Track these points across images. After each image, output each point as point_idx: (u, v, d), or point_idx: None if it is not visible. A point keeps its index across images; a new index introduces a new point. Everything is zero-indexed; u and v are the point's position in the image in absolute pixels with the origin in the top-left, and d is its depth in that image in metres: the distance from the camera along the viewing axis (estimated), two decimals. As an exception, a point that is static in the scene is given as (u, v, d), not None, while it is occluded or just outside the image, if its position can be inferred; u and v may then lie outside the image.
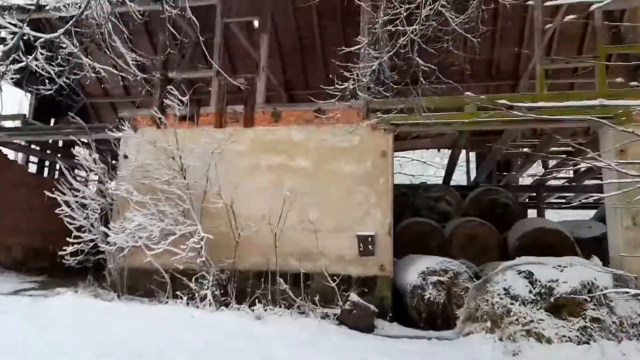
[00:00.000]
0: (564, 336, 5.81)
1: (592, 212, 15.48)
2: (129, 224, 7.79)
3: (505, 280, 6.47)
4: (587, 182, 13.92)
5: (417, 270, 7.85)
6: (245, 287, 7.91)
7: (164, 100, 8.81)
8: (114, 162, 9.80)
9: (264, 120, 8.97)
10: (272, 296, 7.53)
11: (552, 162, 13.18)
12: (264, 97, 9.19)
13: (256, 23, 9.97)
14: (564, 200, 15.62)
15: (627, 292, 5.34)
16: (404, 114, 7.26)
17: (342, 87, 6.63)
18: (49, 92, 8.26)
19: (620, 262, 7.04)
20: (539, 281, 6.23)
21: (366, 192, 8.16)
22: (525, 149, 13.27)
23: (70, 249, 7.97)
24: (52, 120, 13.96)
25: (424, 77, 6.26)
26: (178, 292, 7.60)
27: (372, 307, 7.16)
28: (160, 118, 8.68)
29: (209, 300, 7.15)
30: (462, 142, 10.86)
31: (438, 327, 7.52)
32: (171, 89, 8.59)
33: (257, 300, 7.54)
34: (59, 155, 13.93)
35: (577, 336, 5.78)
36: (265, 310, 6.94)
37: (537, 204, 14.12)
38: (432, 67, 6.22)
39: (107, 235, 8.10)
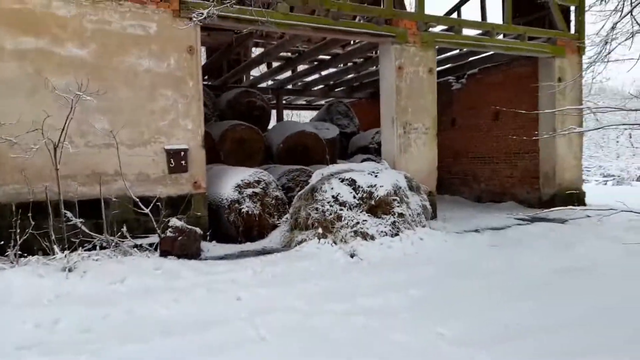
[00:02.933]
0: (382, 231, 6.79)
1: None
2: None
3: (332, 188, 6.86)
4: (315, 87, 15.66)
5: (232, 183, 7.35)
6: (3, 226, 5.59)
7: None
8: None
9: (-2, -23, 5.84)
10: (55, 236, 5.59)
11: (302, 66, 13.95)
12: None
13: None
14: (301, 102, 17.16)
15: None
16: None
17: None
18: None
19: (394, 163, 8.54)
20: (361, 187, 6.91)
21: (172, 97, 6.72)
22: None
23: None
24: None
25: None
26: None
27: (199, 230, 6.37)
28: None
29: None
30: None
31: (254, 238, 7.46)
32: None
33: (34, 246, 5.50)
34: None
35: (390, 230, 6.86)
36: (65, 257, 5.13)
37: (277, 105, 15.02)
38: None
39: None
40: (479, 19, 11.48)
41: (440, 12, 11.32)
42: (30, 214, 5.61)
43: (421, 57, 8.80)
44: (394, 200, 7.02)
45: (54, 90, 5.80)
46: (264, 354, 3.40)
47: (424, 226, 7.30)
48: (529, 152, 11.14)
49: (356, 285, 5.05)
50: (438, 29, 9.65)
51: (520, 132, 10.29)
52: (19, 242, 5.37)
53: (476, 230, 7.88)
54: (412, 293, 4.74)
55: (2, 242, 5.40)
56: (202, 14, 6.60)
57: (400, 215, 7.01)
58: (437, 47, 9.16)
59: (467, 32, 9.65)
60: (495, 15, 12.04)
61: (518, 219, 9.05)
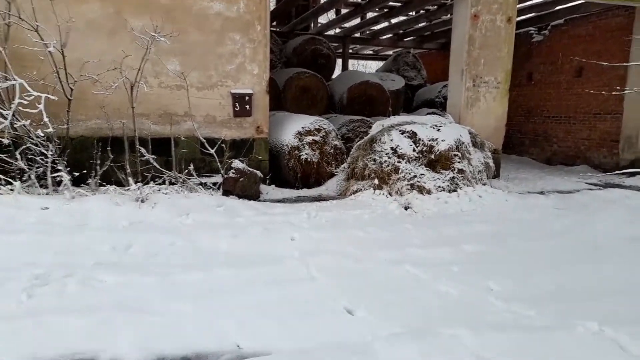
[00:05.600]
0: (439, 187, 6.69)
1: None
2: None
3: (392, 140, 6.79)
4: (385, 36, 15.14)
5: (293, 130, 7.48)
6: (87, 158, 6.11)
7: None
8: None
9: None
10: (130, 169, 6.04)
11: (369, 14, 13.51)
12: None
13: None
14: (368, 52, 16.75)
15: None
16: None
17: None
18: None
19: (459, 117, 8.24)
20: (422, 140, 6.78)
21: (240, 41, 6.83)
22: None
23: None
24: None
25: None
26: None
27: (259, 173, 6.62)
28: None
29: (65, 184, 5.28)
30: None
31: (311, 185, 7.64)
32: None
33: (112, 177, 6.00)
34: None
35: (448, 185, 6.74)
36: (139, 189, 5.56)
37: (343, 54, 14.76)
38: None
39: None
40: (570, -38, 10.39)
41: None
42: (109, 148, 6.09)
43: (500, 4, 8.19)
44: (455, 155, 6.84)
45: (132, 30, 6.08)
46: (313, 291, 3.57)
47: (484, 184, 7.09)
48: (611, 113, 10.27)
49: (409, 236, 5.08)
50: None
51: (606, 91, 9.46)
52: (99, 173, 5.90)
53: (541, 192, 7.54)
54: (465, 248, 4.71)
55: (85, 172, 5.93)
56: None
57: (460, 171, 6.84)
58: (518, -7, 8.48)
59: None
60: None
61: (590, 183, 8.53)
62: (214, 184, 6.59)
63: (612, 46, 10.07)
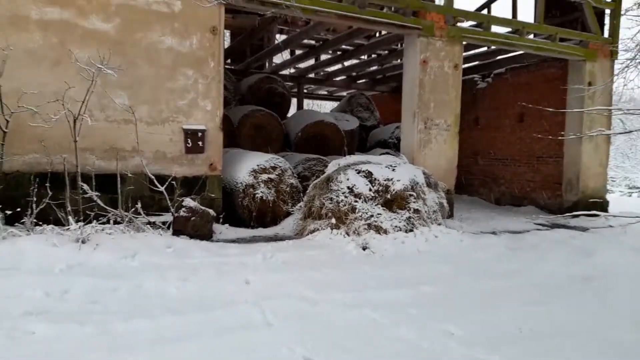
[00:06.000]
0: (396, 226, 6.67)
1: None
2: None
3: (348, 179, 6.76)
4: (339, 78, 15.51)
5: (248, 167, 7.32)
6: (22, 195, 5.64)
7: None
8: None
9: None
10: (71, 207, 5.62)
11: (324, 56, 13.82)
12: None
13: None
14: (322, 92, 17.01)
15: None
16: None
17: None
18: None
19: (412, 158, 8.39)
20: (378, 180, 6.80)
21: (193, 76, 6.69)
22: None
23: None
24: None
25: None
26: None
27: (212, 211, 6.35)
28: None
29: (-6, 224, 4.79)
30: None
31: (267, 224, 7.43)
32: None
33: (50, 216, 5.54)
34: None
35: (405, 225, 6.74)
36: (79, 228, 5.14)
37: (298, 94, 14.93)
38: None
39: None
40: (509, 16, 11.18)
41: (470, 8, 11.06)
42: (48, 184, 5.66)
43: (447, 51, 8.60)
44: (411, 195, 6.89)
45: (77, 62, 5.81)
46: (269, 339, 3.34)
47: (439, 224, 7.17)
48: (553, 157, 10.86)
49: (366, 277, 4.97)
50: (466, 24, 9.42)
51: (545, 136, 10.02)
52: (35, 211, 5.44)
53: (493, 233, 7.72)
54: (423, 290, 4.64)
55: (19, 210, 5.45)
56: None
57: (416, 211, 6.88)
58: (464, 42, 8.95)
59: (496, 29, 9.41)
60: (525, 14, 11.73)
61: (537, 224, 8.84)
62: (164, 223, 6.24)
63: (550, 94, 10.76)
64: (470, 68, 12.36)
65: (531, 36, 9.91)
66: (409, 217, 6.80)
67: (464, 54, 9.78)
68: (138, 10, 6.37)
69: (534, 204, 11.28)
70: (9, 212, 5.28)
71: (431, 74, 8.50)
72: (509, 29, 9.62)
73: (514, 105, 11.58)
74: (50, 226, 5.30)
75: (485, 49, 10.97)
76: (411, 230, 6.72)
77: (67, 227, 5.23)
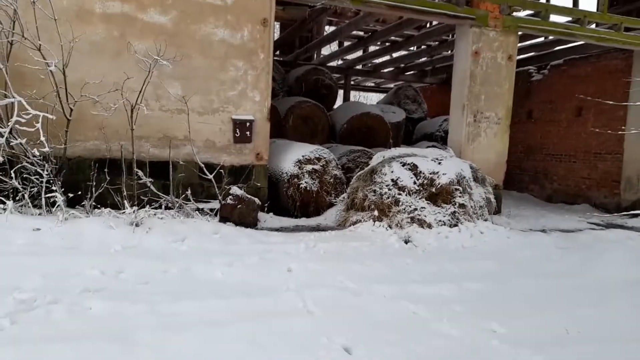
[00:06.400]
0: (440, 221, 6.58)
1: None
2: None
3: (392, 172, 6.72)
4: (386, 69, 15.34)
5: (293, 158, 7.43)
6: (82, 179, 6.00)
7: None
8: None
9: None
10: (126, 192, 5.93)
11: (373, 47, 13.72)
12: None
13: None
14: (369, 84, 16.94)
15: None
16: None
17: None
18: None
19: (460, 152, 8.21)
20: (423, 173, 6.72)
21: (243, 68, 6.84)
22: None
23: None
24: None
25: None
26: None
27: (257, 200, 6.51)
28: None
29: (59, 205, 5.15)
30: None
31: (310, 214, 7.53)
32: None
33: (107, 199, 5.88)
34: None
35: (449, 220, 6.64)
36: (134, 212, 5.43)
37: (345, 85, 14.90)
38: None
39: None
40: (570, 5, 10.62)
41: (527, -4, 10.59)
42: (106, 170, 6.00)
43: (501, 42, 8.30)
44: (456, 189, 6.76)
45: (135, 54, 6.08)
46: (309, 327, 3.41)
47: (485, 220, 6.99)
48: (612, 153, 10.28)
49: (408, 271, 4.94)
50: (523, 13, 9.04)
51: (604, 131, 9.49)
52: (94, 195, 5.78)
53: (543, 230, 7.44)
54: (467, 286, 4.56)
55: (80, 193, 5.81)
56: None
57: (462, 205, 6.75)
58: (519, 33, 8.60)
59: (554, 18, 8.98)
60: (586, 3, 11.11)
61: (592, 223, 8.44)
62: (211, 209, 6.47)
63: (611, 87, 10.17)
64: (525, 59, 11.87)
65: (593, 26, 9.38)
66: (454, 212, 6.68)
67: (520, 44, 9.41)
68: (193, 3, 6.57)
69: (589, 202, 10.75)
70: (71, 195, 5.64)
71: (483, 66, 8.24)
72: (569, 18, 9.15)
73: (571, 99, 11.03)
74: (108, 209, 5.61)
75: (542, 39, 10.49)
76: (456, 225, 6.60)
77: (122, 211, 5.52)
